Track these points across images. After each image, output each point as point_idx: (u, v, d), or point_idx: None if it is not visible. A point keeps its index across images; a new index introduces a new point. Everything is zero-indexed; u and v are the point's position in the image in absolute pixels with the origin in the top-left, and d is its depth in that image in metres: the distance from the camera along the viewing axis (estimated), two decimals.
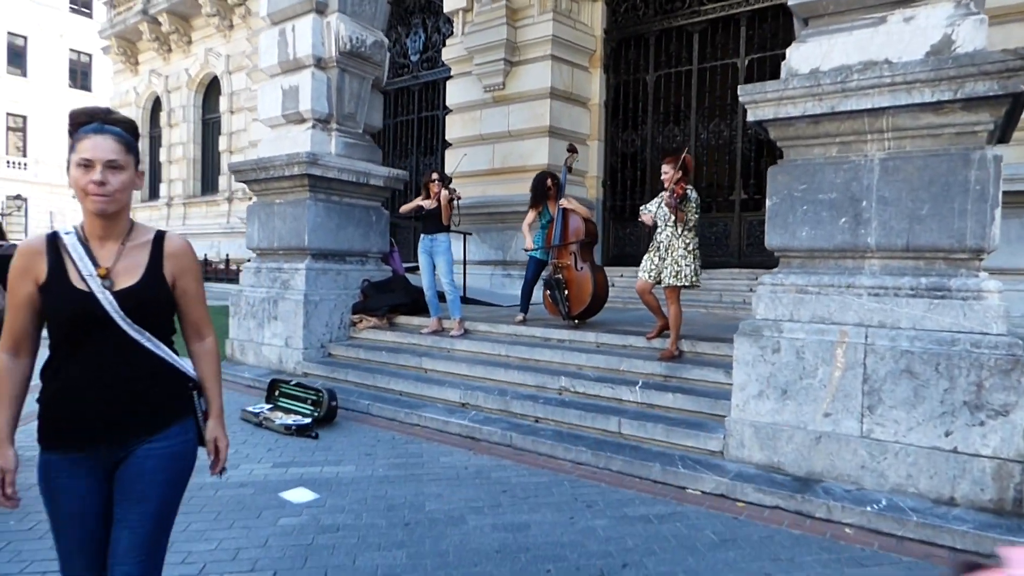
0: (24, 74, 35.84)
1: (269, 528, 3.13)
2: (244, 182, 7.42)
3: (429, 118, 12.35)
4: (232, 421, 5.19)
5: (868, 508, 3.30)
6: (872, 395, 3.53)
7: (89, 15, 36.89)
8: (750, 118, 3.96)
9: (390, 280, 7.39)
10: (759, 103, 3.88)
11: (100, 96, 33.84)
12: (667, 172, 5.00)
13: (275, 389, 5.49)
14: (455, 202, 6.43)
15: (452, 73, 10.71)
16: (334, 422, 5.17)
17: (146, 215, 20.59)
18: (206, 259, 15.22)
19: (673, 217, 4.91)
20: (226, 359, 7.50)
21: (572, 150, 6.59)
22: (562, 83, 9.49)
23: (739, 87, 3.92)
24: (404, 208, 6.64)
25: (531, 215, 6.47)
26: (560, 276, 6.11)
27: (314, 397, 5.14)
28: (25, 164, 35.76)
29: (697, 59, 9.09)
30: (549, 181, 6.43)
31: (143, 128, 20.94)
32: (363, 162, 7.28)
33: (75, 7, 37.09)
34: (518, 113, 9.69)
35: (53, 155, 36.42)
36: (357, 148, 7.37)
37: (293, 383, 5.39)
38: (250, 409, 5.23)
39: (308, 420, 4.94)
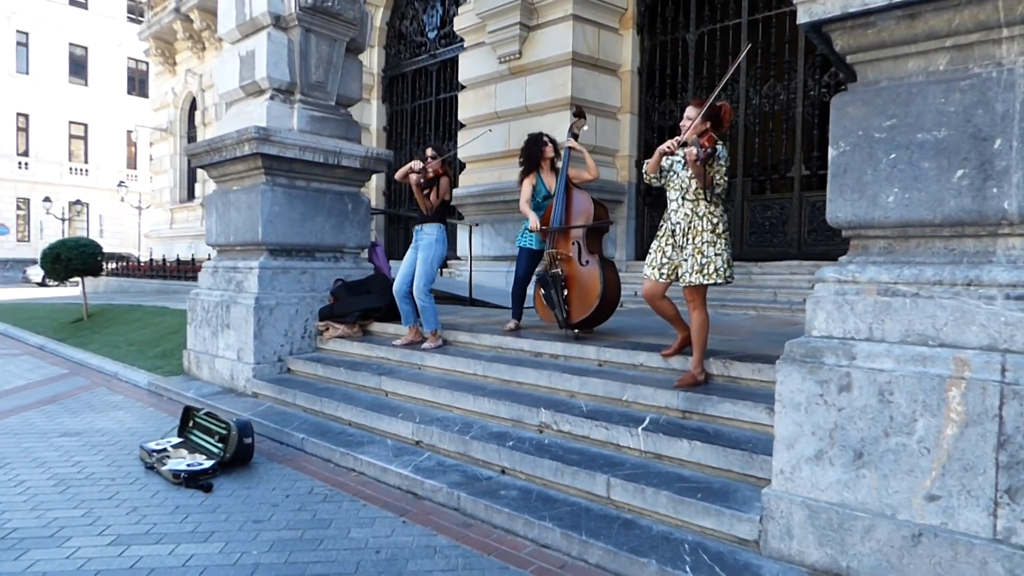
0: (86, 83, 36.86)
1: None
2: (200, 167, 6.39)
3: (448, 99, 11.13)
4: (128, 461, 4.09)
5: None
6: (1015, 470, 2.05)
7: None
8: (802, 19, 2.52)
9: (367, 280, 6.19)
10: None
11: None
12: (691, 118, 3.57)
13: (189, 419, 4.36)
14: (426, 189, 5.09)
15: (466, 45, 9.47)
16: (250, 463, 3.99)
17: (183, 215, 20.33)
18: None
19: (694, 182, 3.48)
20: (183, 373, 6.49)
21: (579, 115, 5.20)
22: (586, 47, 8.09)
23: None
24: (398, 174, 5.32)
25: (526, 190, 5.11)
26: (558, 271, 4.74)
27: (222, 432, 3.98)
28: (87, 170, 36.75)
29: (747, 9, 7.51)
30: (545, 139, 5.11)
31: (181, 129, 20.67)
32: (333, 139, 6.11)
33: (132, 16, 37.87)
34: (536, 85, 8.35)
35: (112, 161, 37.36)
36: (327, 123, 6.20)
37: (203, 412, 4.24)
38: (150, 446, 4.10)
39: (209, 464, 3.77)
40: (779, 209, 7.18)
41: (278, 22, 5.92)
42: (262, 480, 3.76)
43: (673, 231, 3.62)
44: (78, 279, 10.73)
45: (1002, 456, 2.06)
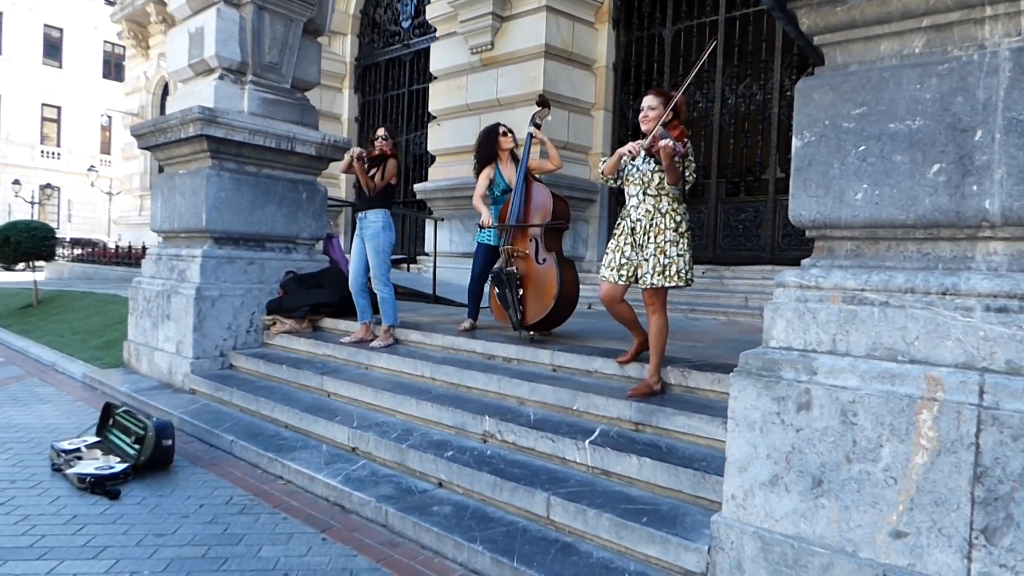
0: (60, 65, 35.93)
1: None
2: (146, 148, 6.02)
3: (421, 91, 10.80)
4: (37, 462, 3.74)
5: None
6: (992, 507, 1.81)
7: None
8: None
9: (319, 273, 5.87)
10: None
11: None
12: (653, 108, 3.31)
13: (109, 416, 4.03)
14: (372, 169, 4.88)
15: (438, 35, 9.16)
16: (170, 467, 3.67)
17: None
18: None
19: (657, 176, 3.23)
20: (123, 365, 6.13)
21: (542, 103, 4.92)
22: (560, 40, 7.82)
23: None
24: (341, 165, 5.10)
25: (482, 183, 4.86)
26: (514, 269, 4.46)
27: (139, 432, 3.65)
28: (59, 154, 35.81)
29: (725, 6, 7.29)
30: (502, 129, 4.85)
31: (152, 114, 20.09)
32: (287, 124, 5.77)
33: None
34: (508, 77, 8.07)
35: (85, 145, 36.44)
36: (281, 107, 5.87)
37: (122, 409, 3.91)
38: (62, 446, 3.75)
39: (120, 467, 3.44)
40: (753, 212, 6.97)
41: None
42: (178, 487, 3.44)
43: (633, 228, 3.36)
44: (43, 263, 10.26)
45: (978, 490, 1.82)
